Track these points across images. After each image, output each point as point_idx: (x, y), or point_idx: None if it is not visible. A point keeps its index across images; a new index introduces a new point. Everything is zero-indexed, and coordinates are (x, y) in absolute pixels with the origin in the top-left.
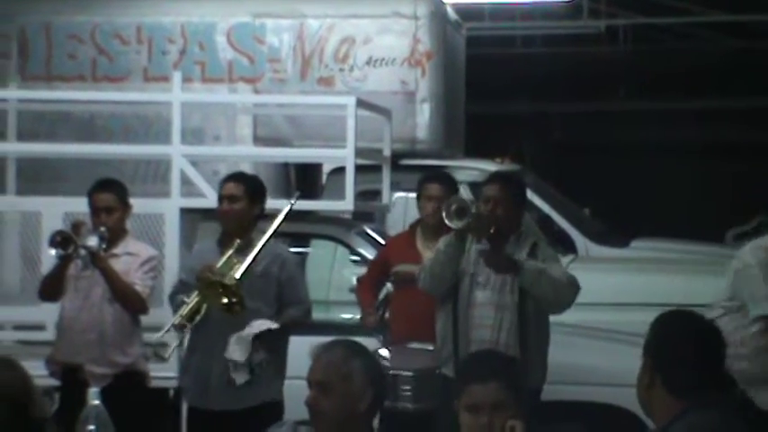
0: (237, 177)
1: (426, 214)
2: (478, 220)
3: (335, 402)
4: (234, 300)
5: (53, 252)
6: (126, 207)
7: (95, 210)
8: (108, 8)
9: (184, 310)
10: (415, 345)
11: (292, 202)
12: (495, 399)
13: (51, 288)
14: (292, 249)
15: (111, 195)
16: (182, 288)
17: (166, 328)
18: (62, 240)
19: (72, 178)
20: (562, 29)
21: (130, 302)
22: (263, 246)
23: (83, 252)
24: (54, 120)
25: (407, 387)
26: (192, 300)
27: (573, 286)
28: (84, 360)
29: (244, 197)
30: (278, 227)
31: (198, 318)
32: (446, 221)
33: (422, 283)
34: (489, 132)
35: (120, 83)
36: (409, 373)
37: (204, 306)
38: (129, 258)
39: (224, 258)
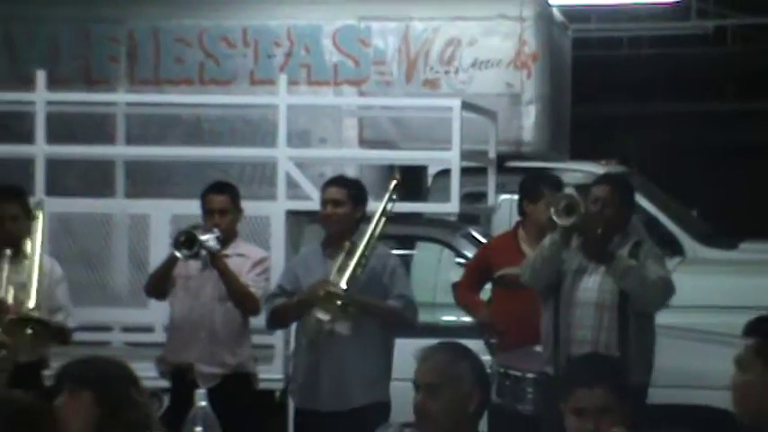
0: (339, 181)
1: (540, 219)
2: (587, 219)
3: (445, 404)
4: (347, 304)
5: (178, 254)
6: (238, 210)
7: (209, 211)
8: (215, 12)
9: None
10: (538, 348)
11: (396, 178)
12: (601, 404)
13: (159, 285)
14: (398, 252)
15: (225, 197)
16: (280, 294)
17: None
18: (186, 241)
19: (180, 181)
20: (670, 30)
21: (245, 303)
22: (367, 246)
23: (203, 253)
24: (162, 123)
25: (531, 389)
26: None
27: (665, 287)
28: (194, 359)
29: (347, 201)
30: (378, 222)
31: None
32: (554, 218)
33: (523, 277)
34: (595, 134)
35: (227, 86)
36: (533, 376)
37: (315, 332)
38: (239, 260)
39: (336, 265)
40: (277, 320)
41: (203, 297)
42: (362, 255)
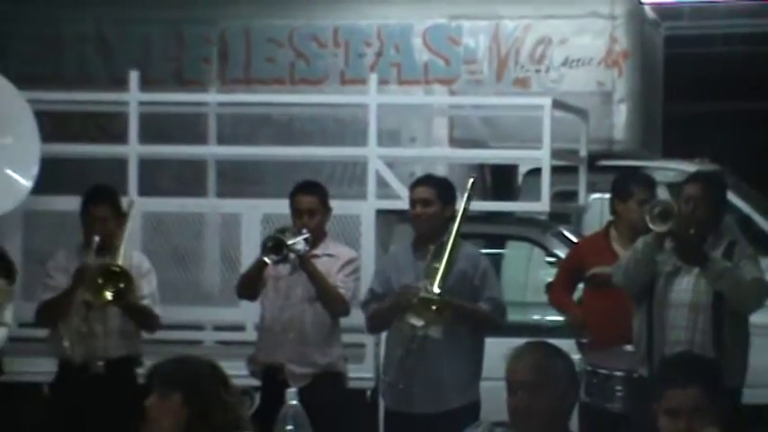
0: (428, 180)
1: (633, 218)
2: (681, 224)
3: (544, 403)
4: (441, 308)
5: (267, 259)
6: (327, 210)
7: (298, 212)
8: (306, 12)
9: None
10: (628, 347)
11: (473, 177)
12: (694, 404)
13: (250, 287)
14: (488, 251)
15: (314, 198)
16: (373, 299)
17: None
18: (274, 245)
19: (270, 180)
20: (763, 27)
21: (333, 304)
22: (453, 246)
23: (291, 255)
24: (253, 123)
25: (620, 388)
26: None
27: (761, 288)
28: (284, 359)
29: (436, 200)
30: (460, 221)
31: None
32: (649, 224)
33: (615, 279)
34: (688, 132)
35: (318, 85)
36: (622, 374)
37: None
38: (328, 260)
39: (425, 266)
40: (376, 325)
41: (293, 298)
42: (450, 256)
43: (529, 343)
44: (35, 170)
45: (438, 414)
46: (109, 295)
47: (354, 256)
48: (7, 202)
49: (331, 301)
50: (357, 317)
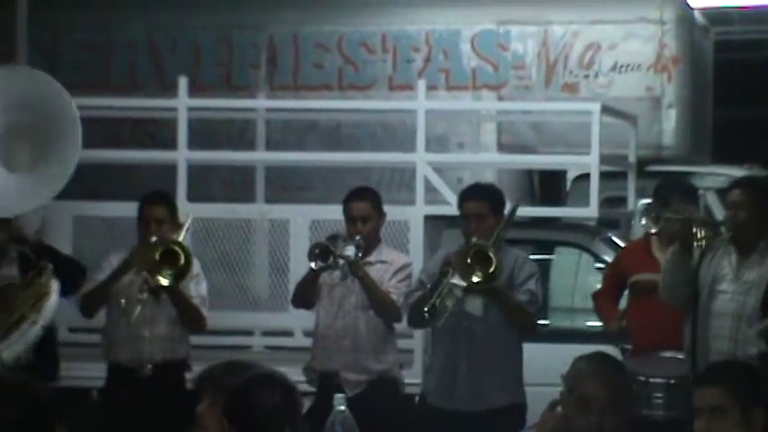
0: (480, 194)
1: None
2: (671, 225)
3: (612, 420)
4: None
5: (313, 265)
6: (380, 215)
7: (352, 218)
8: (354, 17)
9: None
10: (667, 353)
11: (515, 205)
12: (713, 403)
13: (304, 296)
14: (536, 257)
15: (366, 204)
16: (420, 288)
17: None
18: (320, 252)
19: (319, 186)
20: None
21: (385, 311)
22: (499, 250)
23: (341, 262)
24: (301, 129)
25: (659, 395)
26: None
27: None
28: (339, 367)
29: (489, 214)
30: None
31: (442, 319)
32: (641, 224)
33: (660, 294)
34: (738, 138)
35: (366, 91)
36: (661, 381)
37: (449, 305)
38: (382, 266)
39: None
40: (416, 314)
41: (347, 305)
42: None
43: (601, 357)
44: (65, 175)
45: (481, 412)
46: (165, 279)
47: (408, 261)
48: (25, 204)
49: (383, 308)
50: (405, 322)
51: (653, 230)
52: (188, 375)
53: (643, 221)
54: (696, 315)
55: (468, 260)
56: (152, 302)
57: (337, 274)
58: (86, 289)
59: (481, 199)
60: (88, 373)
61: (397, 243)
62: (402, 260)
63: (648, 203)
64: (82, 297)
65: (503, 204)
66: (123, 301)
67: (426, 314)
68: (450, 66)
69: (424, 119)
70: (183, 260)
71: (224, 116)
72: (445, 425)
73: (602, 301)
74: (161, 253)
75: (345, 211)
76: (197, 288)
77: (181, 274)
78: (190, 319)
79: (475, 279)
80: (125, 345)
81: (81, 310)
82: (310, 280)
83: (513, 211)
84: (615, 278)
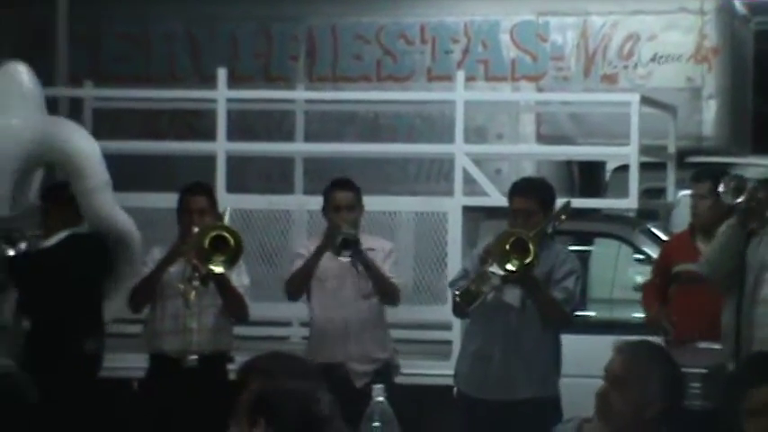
0: (531, 190)
1: (695, 213)
2: (754, 201)
3: (623, 401)
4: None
5: (342, 258)
6: (362, 206)
7: (338, 207)
8: (393, 9)
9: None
10: (703, 344)
11: (566, 203)
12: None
13: (300, 288)
14: (576, 248)
15: (351, 194)
16: (464, 276)
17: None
18: (347, 243)
19: (357, 177)
20: None
21: (390, 295)
22: (540, 243)
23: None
24: (340, 120)
25: (696, 385)
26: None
27: None
28: (345, 358)
29: (538, 210)
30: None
31: (477, 303)
32: (721, 197)
33: (700, 268)
34: None
35: (404, 82)
36: (698, 371)
37: (485, 291)
38: (372, 254)
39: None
40: (465, 301)
41: (342, 297)
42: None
43: (639, 341)
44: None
45: (510, 402)
46: (218, 267)
47: (392, 246)
48: None
49: (387, 292)
50: (443, 313)
51: (737, 201)
52: (230, 366)
53: (721, 188)
54: (741, 301)
55: (507, 248)
56: (201, 292)
57: (335, 264)
58: (134, 283)
59: (529, 195)
60: (129, 363)
61: (434, 234)
62: (388, 245)
63: (727, 174)
64: (130, 292)
65: (553, 201)
66: (182, 286)
67: (461, 299)
68: (489, 57)
69: (462, 110)
70: (233, 244)
71: (263, 107)
72: (473, 412)
73: (647, 293)
74: (211, 239)
75: (329, 201)
76: (239, 278)
77: (233, 259)
78: (235, 308)
79: (510, 267)
80: (171, 336)
81: (129, 304)
82: (310, 270)
83: (564, 208)
84: (661, 270)
